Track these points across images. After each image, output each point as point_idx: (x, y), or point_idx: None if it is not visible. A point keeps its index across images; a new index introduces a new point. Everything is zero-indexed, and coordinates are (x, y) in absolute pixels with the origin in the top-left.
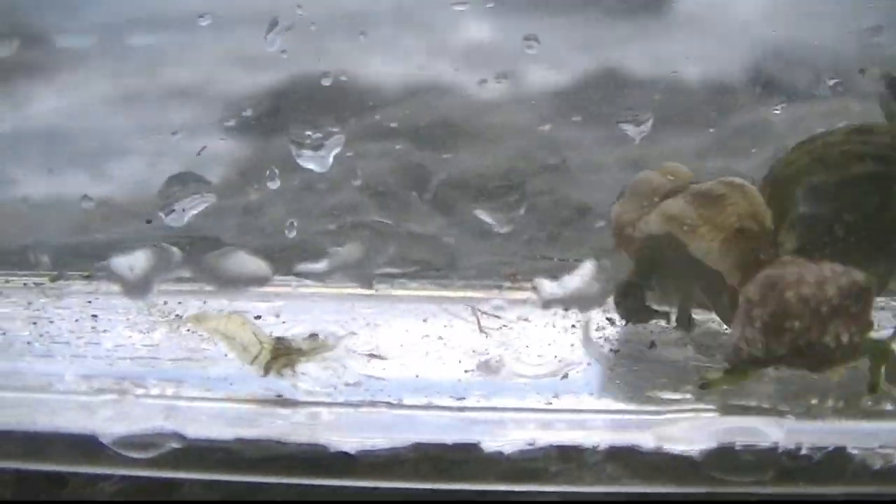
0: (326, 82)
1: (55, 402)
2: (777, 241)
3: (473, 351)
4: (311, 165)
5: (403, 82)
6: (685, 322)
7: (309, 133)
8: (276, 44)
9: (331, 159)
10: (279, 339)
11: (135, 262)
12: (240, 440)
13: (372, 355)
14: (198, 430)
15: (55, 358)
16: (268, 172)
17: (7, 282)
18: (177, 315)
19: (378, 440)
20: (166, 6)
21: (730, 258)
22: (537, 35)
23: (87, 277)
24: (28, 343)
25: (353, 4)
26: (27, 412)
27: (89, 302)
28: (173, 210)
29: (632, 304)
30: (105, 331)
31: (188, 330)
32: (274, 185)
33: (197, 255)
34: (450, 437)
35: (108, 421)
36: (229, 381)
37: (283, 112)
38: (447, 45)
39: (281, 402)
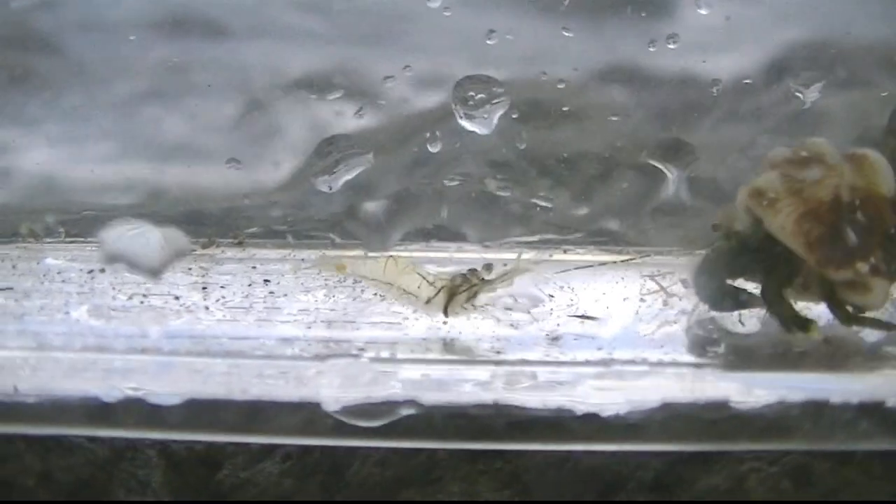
0: (491, 41)
1: (264, 369)
2: None
3: (681, 311)
4: (473, 128)
5: (576, 45)
6: (781, 315)
7: (472, 94)
8: (439, 0)
9: (495, 121)
10: (464, 275)
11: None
12: (479, 405)
13: (584, 316)
14: (431, 395)
15: (240, 322)
16: (428, 135)
17: None
18: (355, 280)
19: (622, 401)
20: None
21: (807, 236)
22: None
23: (240, 244)
24: (206, 308)
25: None
26: (235, 381)
27: (254, 267)
28: (334, 172)
29: (709, 286)
30: (285, 295)
31: (376, 294)
32: (434, 148)
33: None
34: (698, 396)
35: (333, 388)
36: (452, 343)
37: (446, 72)
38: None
39: (513, 363)
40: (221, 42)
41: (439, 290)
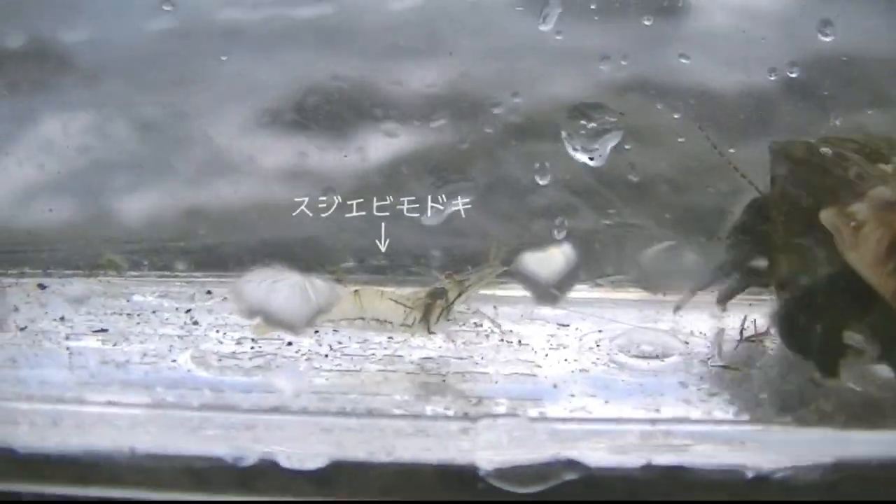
0: (605, 67)
1: (402, 428)
2: None
3: None
4: (584, 159)
5: (693, 74)
6: (828, 364)
7: (585, 123)
8: (552, 23)
9: (608, 152)
10: (439, 288)
11: (548, 260)
12: (647, 468)
13: (727, 367)
14: (595, 456)
15: (361, 374)
16: (536, 166)
17: None
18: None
19: (790, 462)
20: None
21: (885, 268)
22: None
23: (338, 280)
24: (325, 356)
25: None
26: (377, 441)
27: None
28: (439, 204)
29: (787, 327)
30: (403, 340)
31: (495, 331)
32: (543, 180)
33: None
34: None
35: (486, 449)
36: (603, 399)
37: (557, 99)
38: (727, 30)
39: (674, 420)
40: (319, 64)
41: (426, 309)
